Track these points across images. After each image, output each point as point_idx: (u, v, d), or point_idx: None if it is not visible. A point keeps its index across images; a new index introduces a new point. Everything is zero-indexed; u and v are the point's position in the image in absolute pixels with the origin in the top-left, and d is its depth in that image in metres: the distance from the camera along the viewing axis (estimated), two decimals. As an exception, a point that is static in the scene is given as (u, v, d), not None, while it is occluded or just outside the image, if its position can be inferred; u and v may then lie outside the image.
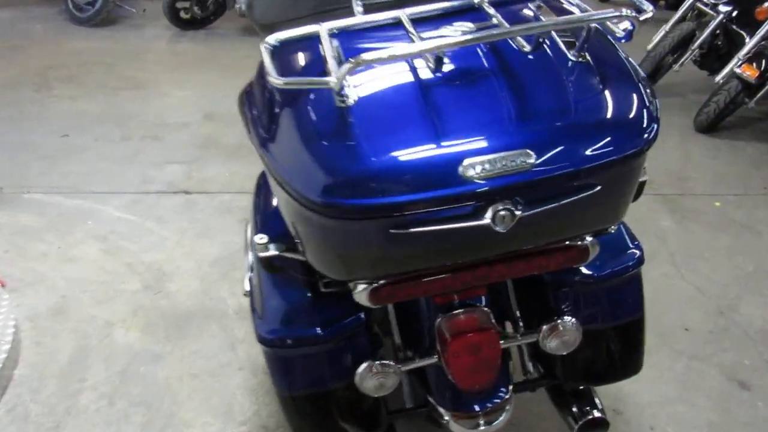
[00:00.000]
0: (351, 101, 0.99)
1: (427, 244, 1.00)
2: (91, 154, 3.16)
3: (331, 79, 0.93)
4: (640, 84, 1.07)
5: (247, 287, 1.42)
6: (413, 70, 1.06)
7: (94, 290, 2.26)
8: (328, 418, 1.31)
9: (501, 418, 1.30)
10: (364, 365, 1.22)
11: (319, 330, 1.22)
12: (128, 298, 2.23)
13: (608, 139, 0.98)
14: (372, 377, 1.23)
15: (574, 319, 1.27)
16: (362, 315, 1.25)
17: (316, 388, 1.27)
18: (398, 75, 1.06)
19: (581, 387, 1.43)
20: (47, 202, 2.76)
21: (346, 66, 0.91)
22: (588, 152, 0.97)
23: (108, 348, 2.02)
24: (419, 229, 0.95)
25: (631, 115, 1.03)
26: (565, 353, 1.31)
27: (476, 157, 0.93)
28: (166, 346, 2.03)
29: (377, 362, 1.22)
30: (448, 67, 1.06)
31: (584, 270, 1.29)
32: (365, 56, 0.91)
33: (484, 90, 1.03)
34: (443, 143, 0.96)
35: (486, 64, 1.08)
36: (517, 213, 0.96)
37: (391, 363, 1.23)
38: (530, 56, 1.09)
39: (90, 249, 2.48)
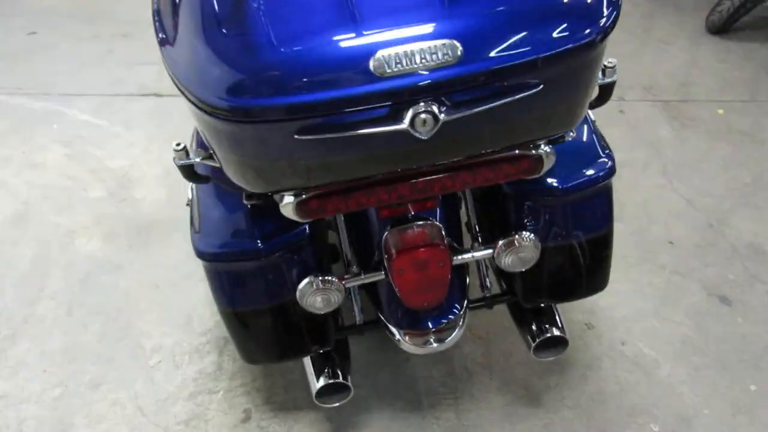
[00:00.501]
0: None
1: (340, 152, 0.87)
2: (58, 53, 2.98)
3: None
4: None
5: (189, 196, 1.32)
6: None
7: (57, 197, 2.18)
8: (272, 334, 1.25)
9: (452, 336, 1.23)
10: (305, 281, 1.14)
11: (259, 243, 1.13)
12: (92, 205, 2.14)
13: (552, 27, 0.82)
14: (313, 293, 1.15)
15: (532, 235, 1.17)
16: (307, 228, 1.16)
17: (258, 305, 1.20)
18: None
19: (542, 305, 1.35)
20: (11, 104, 2.63)
21: None
22: (526, 43, 0.81)
23: (69, 256, 1.96)
24: (327, 135, 0.82)
25: None
26: (523, 270, 1.22)
27: (390, 49, 0.78)
28: (128, 255, 1.96)
29: (319, 278, 1.14)
30: None
31: (547, 181, 1.17)
32: None
33: None
34: (352, 33, 0.80)
35: None
36: (441, 116, 0.81)
37: (334, 279, 1.15)
38: None
39: (54, 154, 2.37)
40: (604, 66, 1.04)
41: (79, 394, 1.60)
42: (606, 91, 1.06)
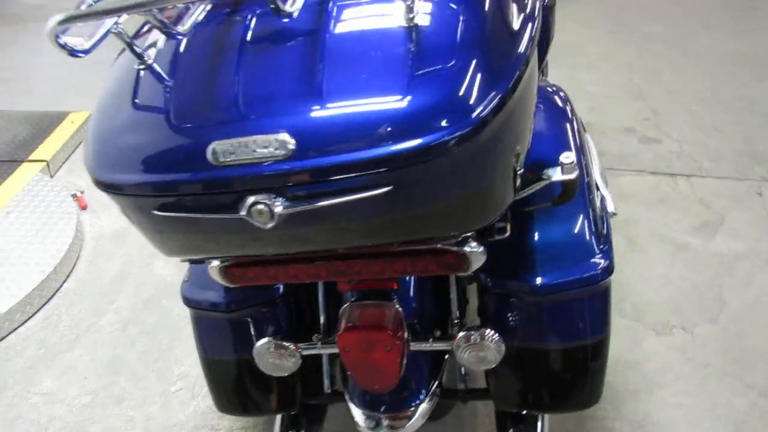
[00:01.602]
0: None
1: (195, 231, 0.85)
2: None
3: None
4: (478, 48, 0.77)
5: None
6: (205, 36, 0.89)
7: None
8: (238, 386, 1.25)
9: (408, 426, 1.12)
10: (262, 341, 1.13)
11: (230, 297, 1.16)
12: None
13: (402, 123, 0.72)
14: (267, 355, 1.13)
15: (494, 334, 1.03)
16: (281, 288, 1.17)
17: (227, 355, 1.22)
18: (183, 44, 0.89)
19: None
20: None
21: (55, 19, 0.76)
22: (367, 141, 0.73)
23: (144, 277, 2.14)
24: (179, 215, 0.82)
25: (439, 97, 0.74)
26: (483, 369, 1.08)
27: (225, 140, 0.76)
28: (191, 282, 2.09)
29: (273, 341, 1.12)
30: (242, 29, 0.86)
31: (522, 274, 1.04)
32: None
33: (272, 57, 0.83)
34: (199, 120, 0.80)
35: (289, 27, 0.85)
36: (277, 209, 0.76)
37: (290, 345, 1.12)
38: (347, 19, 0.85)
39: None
40: (562, 163, 0.91)
41: (104, 405, 1.72)
42: (568, 188, 0.93)
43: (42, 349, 1.90)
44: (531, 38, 0.81)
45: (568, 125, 1.23)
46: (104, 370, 1.82)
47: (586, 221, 1.08)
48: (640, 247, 2.06)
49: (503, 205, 0.86)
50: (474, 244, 0.91)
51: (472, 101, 0.73)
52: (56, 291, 2.10)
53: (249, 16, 0.87)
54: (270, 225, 0.78)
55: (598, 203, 1.15)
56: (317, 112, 0.75)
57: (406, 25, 0.78)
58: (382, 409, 1.13)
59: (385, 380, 1.07)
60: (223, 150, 0.76)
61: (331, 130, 0.75)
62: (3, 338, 1.94)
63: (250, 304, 1.16)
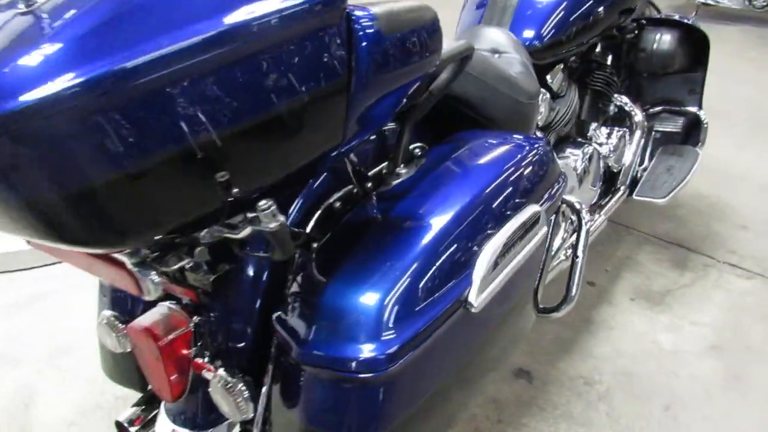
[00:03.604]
0: None
1: None
2: None
3: None
4: None
5: None
6: None
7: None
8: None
9: None
10: (105, 312, 1.11)
11: None
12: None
13: None
14: (100, 327, 1.12)
15: (224, 374, 0.97)
16: None
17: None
18: None
19: None
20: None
21: None
22: None
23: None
24: None
25: None
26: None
27: None
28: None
29: (110, 314, 1.11)
30: None
31: (292, 332, 0.94)
32: None
33: None
34: None
35: None
36: None
37: (118, 324, 1.09)
38: None
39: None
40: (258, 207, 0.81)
41: None
42: (273, 241, 0.84)
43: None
44: None
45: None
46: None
47: (394, 295, 0.89)
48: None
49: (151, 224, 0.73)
50: (150, 273, 0.84)
51: None
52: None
53: None
54: None
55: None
56: None
57: None
58: (173, 419, 1.10)
59: (161, 388, 1.04)
60: None
61: None
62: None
63: None
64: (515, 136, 1.22)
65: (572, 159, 1.77)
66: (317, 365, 0.89)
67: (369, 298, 0.89)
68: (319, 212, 1.08)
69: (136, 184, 0.66)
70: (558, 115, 1.76)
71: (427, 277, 0.93)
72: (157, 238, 0.78)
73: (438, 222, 0.99)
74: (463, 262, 0.97)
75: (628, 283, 2.13)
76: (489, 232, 1.02)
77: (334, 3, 0.75)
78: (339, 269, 0.94)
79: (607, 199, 1.98)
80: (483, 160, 1.14)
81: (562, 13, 1.69)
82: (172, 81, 0.63)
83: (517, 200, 1.10)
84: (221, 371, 0.98)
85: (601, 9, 1.77)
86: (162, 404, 1.15)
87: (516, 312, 1.22)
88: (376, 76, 0.85)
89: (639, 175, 2.09)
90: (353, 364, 0.86)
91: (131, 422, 1.21)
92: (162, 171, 0.67)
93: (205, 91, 0.66)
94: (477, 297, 0.97)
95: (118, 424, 1.22)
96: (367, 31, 0.81)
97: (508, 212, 1.07)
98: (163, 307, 1.03)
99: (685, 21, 2.09)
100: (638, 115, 2.06)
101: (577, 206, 1.32)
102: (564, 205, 1.32)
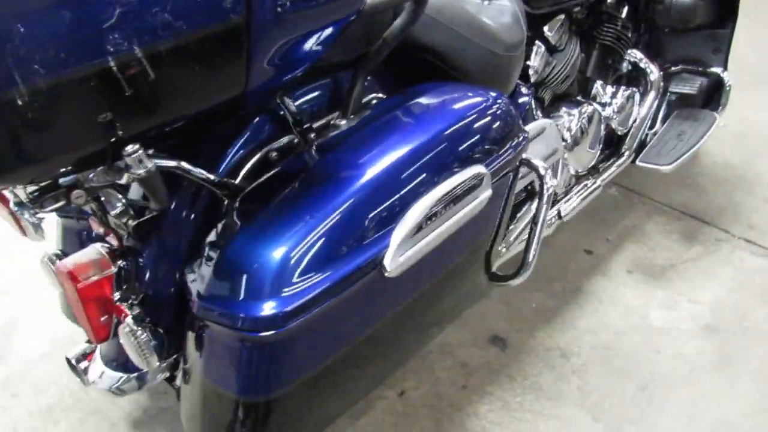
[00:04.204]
0: None
1: None
2: None
3: None
4: None
5: None
6: None
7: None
8: None
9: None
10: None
11: None
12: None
13: None
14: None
15: (131, 322, 0.97)
16: None
17: None
18: None
19: None
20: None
21: None
22: None
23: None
24: None
25: None
26: None
27: None
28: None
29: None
30: None
31: (192, 281, 0.94)
32: None
33: None
34: None
35: None
36: None
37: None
38: None
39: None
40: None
41: None
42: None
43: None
44: None
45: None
46: None
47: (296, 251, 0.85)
48: None
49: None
50: (30, 213, 0.86)
51: None
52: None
53: None
54: None
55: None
56: None
57: None
58: (104, 361, 1.12)
59: (85, 329, 1.03)
60: None
61: None
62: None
63: None
64: (472, 90, 1.13)
65: (567, 118, 1.65)
66: (212, 320, 0.86)
67: (273, 253, 0.85)
68: (253, 161, 1.04)
69: (11, 116, 0.63)
70: (554, 70, 1.63)
71: (341, 236, 0.88)
72: (37, 176, 0.75)
73: (364, 178, 0.93)
74: (384, 223, 0.91)
75: (629, 254, 2.01)
76: (419, 192, 0.95)
77: None
78: (253, 221, 0.91)
79: (608, 164, 1.86)
80: (427, 115, 1.06)
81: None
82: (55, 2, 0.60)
83: (458, 160, 1.02)
84: (128, 319, 0.97)
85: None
86: (98, 346, 1.16)
87: (456, 278, 1.15)
88: (281, 16, 0.78)
89: (648, 139, 1.94)
90: (247, 322, 0.83)
91: (81, 359, 1.23)
92: (38, 103, 0.64)
93: (83, 17, 0.62)
94: (392, 261, 0.91)
95: (68, 361, 1.24)
96: None
97: (445, 172, 0.99)
98: (95, 248, 1.02)
99: None
100: (654, 74, 1.90)
101: (541, 170, 1.22)
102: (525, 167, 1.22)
